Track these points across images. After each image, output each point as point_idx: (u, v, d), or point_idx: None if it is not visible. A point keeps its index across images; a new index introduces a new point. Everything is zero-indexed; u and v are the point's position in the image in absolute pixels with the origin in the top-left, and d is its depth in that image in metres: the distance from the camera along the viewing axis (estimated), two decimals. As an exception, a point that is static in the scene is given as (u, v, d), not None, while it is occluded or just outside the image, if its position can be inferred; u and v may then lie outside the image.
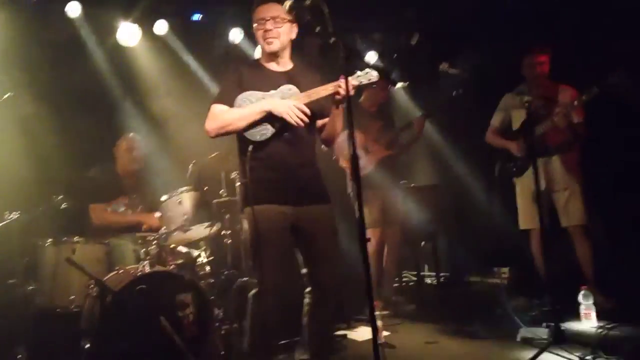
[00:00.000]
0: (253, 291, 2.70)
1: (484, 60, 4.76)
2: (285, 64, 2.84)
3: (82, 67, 4.67)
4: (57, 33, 4.59)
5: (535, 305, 3.92)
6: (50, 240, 3.43)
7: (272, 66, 2.82)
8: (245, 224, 2.73)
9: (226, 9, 5.07)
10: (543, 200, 3.91)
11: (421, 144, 5.85)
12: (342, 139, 4.17)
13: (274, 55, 2.80)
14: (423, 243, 5.82)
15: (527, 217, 4.08)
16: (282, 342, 3.20)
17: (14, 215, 3.35)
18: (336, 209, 2.85)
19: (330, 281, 2.76)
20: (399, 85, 5.94)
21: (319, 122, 2.87)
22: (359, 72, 2.69)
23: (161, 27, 4.95)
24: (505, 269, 5.14)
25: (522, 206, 4.14)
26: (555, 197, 4.02)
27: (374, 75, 2.71)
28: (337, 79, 2.64)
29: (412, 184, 5.61)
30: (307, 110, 2.65)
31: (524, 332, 3.37)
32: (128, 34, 4.80)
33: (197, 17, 5.14)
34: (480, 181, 5.41)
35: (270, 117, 2.65)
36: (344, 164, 4.34)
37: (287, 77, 2.79)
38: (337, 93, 2.64)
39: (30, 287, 3.34)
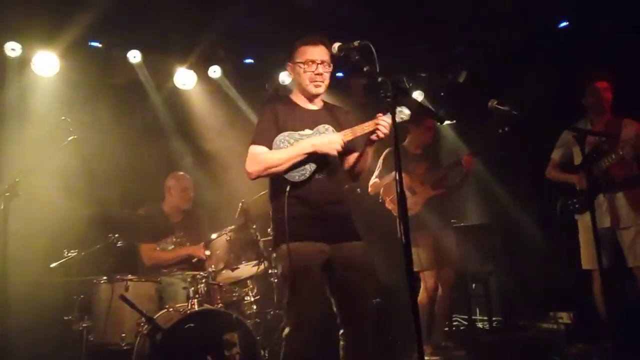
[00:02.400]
0: (286, 330, 2.64)
1: (535, 94, 4.66)
2: (318, 103, 2.87)
3: (141, 110, 4.91)
4: (119, 78, 4.87)
5: (597, 351, 3.70)
6: (104, 277, 3.54)
7: (307, 105, 2.83)
8: (281, 264, 2.69)
9: (276, 53, 5.24)
10: (607, 239, 3.74)
11: (471, 183, 5.75)
12: (387, 180, 4.19)
13: (315, 97, 2.83)
14: (474, 285, 5.64)
15: (589, 257, 3.85)
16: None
17: (72, 253, 3.50)
18: (386, 251, 2.81)
19: (364, 319, 2.69)
20: (446, 122, 5.89)
21: (350, 158, 2.86)
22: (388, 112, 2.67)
23: (215, 71, 5.18)
24: (563, 314, 4.89)
25: (584, 245, 3.92)
26: (621, 236, 3.81)
27: (405, 113, 2.70)
28: (374, 117, 2.66)
29: (462, 224, 5.49)
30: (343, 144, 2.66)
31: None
32: (184, 78, 5.04)
33: (249, 61, 5.35)
34: (535, 221, 5.23)
35: (308, 158, 2.66)
36: (390, 205, 4.29)
37: (322, 116, 2.82)
38: (376, 130, 2.65)
39: (85, 324, 3.44)
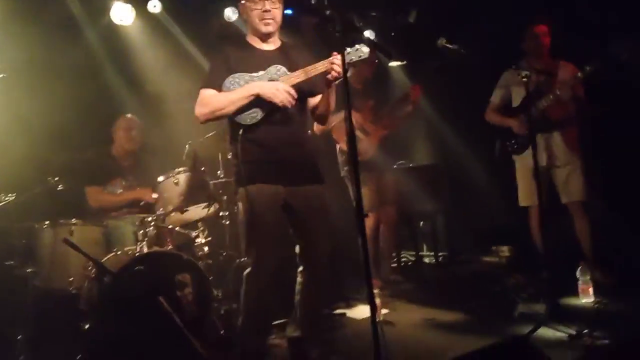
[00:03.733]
0: (247, 270, 2.71)
1: (483, 35, 4.70)
2: (274, 43, 2.80)
3: (76, 47, 4.61)
4: (50, 13, 4.52)
5: (533, 281, 3.94)
6: (47, 222, 3.42)
7: (261, 45, 2.77)
8: (240, 205, 2.74)
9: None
10: (543, 177, 3.91)
11: (418, 123, 5.83)
12: (337, 119, 4.16)
13: (267, 36, 2.76)
14: (422, 223, 5.83)
15: (526, 194, 4.07)
16: (277, 322, 3.22)
17: (10, 197, 3.34)
18: (331, 191, 2.84)
19: (320, 259, 2.79)
20: (396, 63, 5.88)
21: (311, 101, 2.83)
22: (348, 49, 2.62)
23: (155, 6, 4.88)
24: (504, 248, 5.16)
25: (521, 183, 4.13)
26: (556, 174, 4.01)
27: (364, 51, 2.66)
28: (329, 56, 2.61)
29: (410, 164, 5.60)
30: (293, 92, 2.62)
31: (522, 308, 3.39)
32: (121, 13, 4.73)
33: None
34: (478, 160, 5.40)
35: (259, 100, 2.62)
36: (344, 146, 4.28)
37: (276, 56, 2.75)
38: (331, 70, 2.60)
39: (29, 269, 3.33)
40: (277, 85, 2.62)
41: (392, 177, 4.57)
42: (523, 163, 4.08)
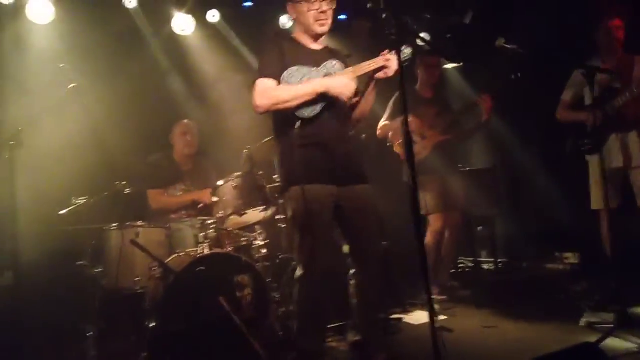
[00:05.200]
0: (298, 272, 2.67)
1: (545, 33, 4.54)
2: (321, 43, 2.83)
3: (140, 56, 4.82)
4: (116, 25, 4.75)
5: (601, 289, 3.76)
6: (115, 224, 3.57)
7: (311, 44, 2.79)
8: (291, 204, 2.66)
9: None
10: (618, 179, 3.73)
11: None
12: (397, 124, 4.15)
13: (319, 36, 2.77)
14: (480, 228, 5.69)
15: (598, 197, 3.83)
16: (334, 324, 3.22)
17: (81, 200, 3.52)
18: (392, 195, 2.82)
19: (372, 259, 2.74)
20: (452, 65, 5.78)
21: (352, 100, 2.82)
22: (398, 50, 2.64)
23: (214, 16, 5.05)
24: (570, 254, 4.94)
25: (595, 186, 3.88)
26: (633, 175, 3.78)
27: (407, 52, 2.66)
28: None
29: (468, 168, 5.48)
30: (354, 86, 2.64)
31: (588, 316, 3.25)
32: (183, 23, 4.92)
33: (248, 4, 5.20)
34: (540, 162, 5.21)
35: (320, 94, 2.62)
36: (398, 149, 4.28)
37: (326, 55, 2.78)
38: (384, 67, 2.60)
39: (98, 270, 3.49)
40: (343, 80, 2.61)
41: (456, 181, 4.49)
42: (597, 164, 3.78)
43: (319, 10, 2.69)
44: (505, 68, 4.75)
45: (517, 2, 5.00)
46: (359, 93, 2.80)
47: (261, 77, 2.65)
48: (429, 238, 4.32)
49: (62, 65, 3.53)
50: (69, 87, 3.50)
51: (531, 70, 4.40)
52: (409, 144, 2.27)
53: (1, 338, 3.03)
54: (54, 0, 4.41)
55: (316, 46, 2.80)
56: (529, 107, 4.84)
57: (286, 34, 2.97)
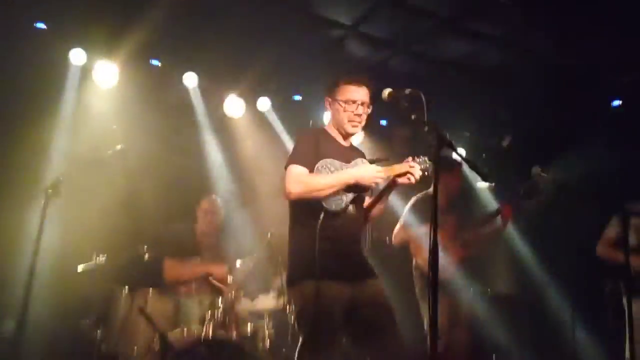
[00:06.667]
0: None
1: (582, 168, 4.55)
2: (348, 141, 2.87)
3: (187, 131, 5.04)
4: (171, 97, 5.03)
5: None
6: (126, 287, 3.57)
7: (340, 140, 2.83)
8: (301, 299, 2.54)
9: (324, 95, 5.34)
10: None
11: (499, 250, 5.59)
12: (420, 232, 4.05)
13: (348, 135, 2.82)
14: (494, 355, 5.42)
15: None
16: None
17: (102, 258, 3.56)
18: (399, 309, 2.72)
19: (398, 354, 2.56)
20: (484, 184, 5.81)
21: (368, 200, 2.82)
22: (417, 159, 2.71)
23: (264, 103, 5.29)
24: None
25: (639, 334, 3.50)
26: None
27: (427, 164, 2.70)
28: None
29: (488, 289, 5.32)
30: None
31: None
32: (234, 105, 5.16)
33: (297, 98, 5.46)
34: (570, 298, 4.98)
35: (346, 188, 2.63)
36: (421, 261, 4.09)
37: (354, 153, 2.84)
38: (407, 173, 2.65)
39: (99, 331, 3.43)
40: (372, 168, 2.65)
41: (466, 299, 4.33)
42: None
43: (355, 113, 2.74)
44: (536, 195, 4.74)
45: (557, 137, 5.07)
46: (373, 193, 2.82)
47: (293, 164, 2.64)
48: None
49: (114, 126, 3.72)
50: (116, 147, 3.67)
51: (566, 201, 4.33)
52: (435, 257, 2.20)
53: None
54: (120, 66, 4.67)
55: (344, 143, 2.85)
56: (562, 237, 4.70)
57: (320, 127, 3.04)
